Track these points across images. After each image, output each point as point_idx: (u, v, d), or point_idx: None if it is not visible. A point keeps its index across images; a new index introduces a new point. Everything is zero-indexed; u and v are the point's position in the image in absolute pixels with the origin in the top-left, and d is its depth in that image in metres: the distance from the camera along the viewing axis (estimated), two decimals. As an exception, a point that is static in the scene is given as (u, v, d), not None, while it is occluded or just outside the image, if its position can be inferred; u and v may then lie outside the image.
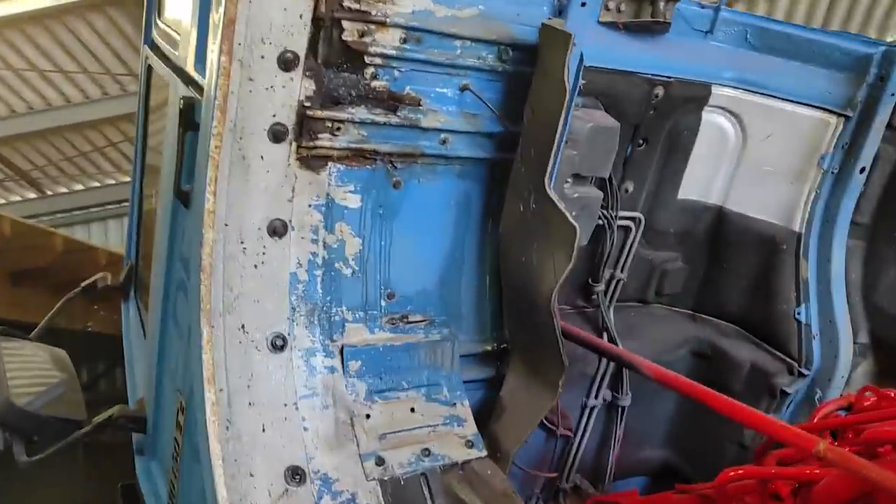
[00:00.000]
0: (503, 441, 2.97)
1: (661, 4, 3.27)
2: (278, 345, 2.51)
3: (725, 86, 3.52)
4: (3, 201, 12.85)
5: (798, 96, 3.54)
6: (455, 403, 2.90)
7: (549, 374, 2.76)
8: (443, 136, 2.72)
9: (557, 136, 2.48)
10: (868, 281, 3.82)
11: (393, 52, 2.48)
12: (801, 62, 3.54)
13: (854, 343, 3.82)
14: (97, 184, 12.71)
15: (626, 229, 3.69)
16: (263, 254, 2.47)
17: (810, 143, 3.62)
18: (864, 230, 3.78)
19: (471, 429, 2.88)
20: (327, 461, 2.51)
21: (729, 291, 3.98)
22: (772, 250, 3.80)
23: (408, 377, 2.82)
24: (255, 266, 2.46)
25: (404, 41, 2.49)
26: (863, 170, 3.59)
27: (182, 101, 2.74)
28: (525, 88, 2.72)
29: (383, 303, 2.83)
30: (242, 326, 2.44)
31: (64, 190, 12.76)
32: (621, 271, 3.74)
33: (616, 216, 3.55)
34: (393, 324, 2.85)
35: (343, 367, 2.67)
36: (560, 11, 2.72)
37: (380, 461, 2.61)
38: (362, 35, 2.41)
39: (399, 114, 2.60)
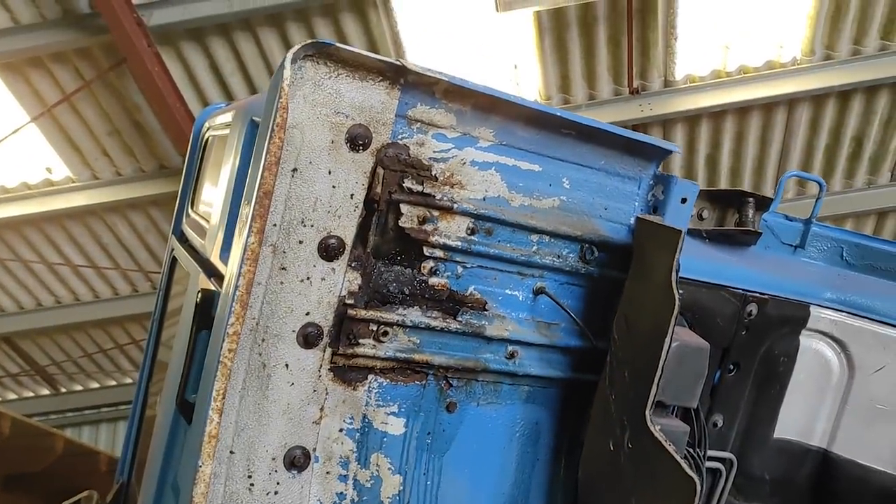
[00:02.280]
0: None
1: (750, 213, 2.93)
2: None
3: (826, 307, 3.06)
4: (14, 396, 12.41)
5: (912, 323, 3.04)
6: None
7: None
8: (510, 348, 2.22)
9: (663, 355, 1.96)
10: None
11: (458, 244, 2.05)
12: (909, 284, 3.11)
13: None
14: (113, 382, 12.27)
15: (715, 473, 3.05)
16: (276, 493, 1.90)
17: (932, 379, 3.06)
18: None
19: None
20: None
21: (841, 558, 3.23)
22: (895, 509, 3.10)
23: None
24: (263, 509, 1.87)
25: (472, 232, 2.07)
26: None
27: (199, 294, 2.30)
28: (611, 296, 2.25)
29: (424, 564, 2.18)
30: None
31: (79, 388, 12.34)
32: (709, 527, 3.05)
33: (704, 456, 2.93)
34: None
35: None
36: (655, 208, 2.31)
37: None
38: (423, 222, 1.99)
39: (460, 318, 2.12)
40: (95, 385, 12.35)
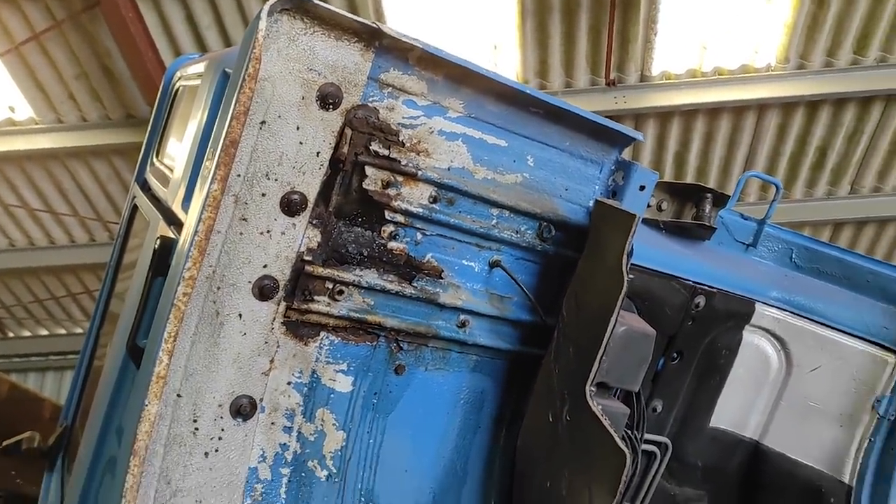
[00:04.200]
0: None
1: (707, 208, 3.01)
2: None
3: (771, 305, 3.15)
4: (-40, 339, 12.17)
5: (851, 327, 3.17)
6: None
7: None
8: (462, 317, 2.26)
9: (608, 332, 2.02)
10: (930, 560, 3.22)
11: (419, 211, 2.08)
12: (853, 291, 3.22)
13: None
14: (63, 331, 12.07)
15: (651, 455, 3.14)
16: (220, 439, 1.92)
17: (864, 381, 3.19)
18: (927, 492, 3.24)
19: None
20: None
21: (764, 546, 3.36)
22: (817, 503, 3.23)
23: None
24: (206, 454, 1.90)
25: (434, 200, 2.10)
26: (926, 423, 3.13)
27: (158, 241, 2.30)
28: (564, 274, 2.30)
29: (361, 520, 2.23)
30: (173, 535, 1.83)
31: (27, 333, 12.13)
32: (640, 506, 3.14)
33: (641, 438, 3.02)
34: (369, 549, 2.23)
35: None
36: (614, 193, 2.36)
37: None
38: (386, 186, 2.02)
39: (415, 284, 2.15)
40: (44, 332, 12.15)
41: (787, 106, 8.04)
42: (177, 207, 2.51)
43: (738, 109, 8.09)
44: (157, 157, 3.57)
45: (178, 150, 2.99)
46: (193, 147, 2.52)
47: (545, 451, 2.24)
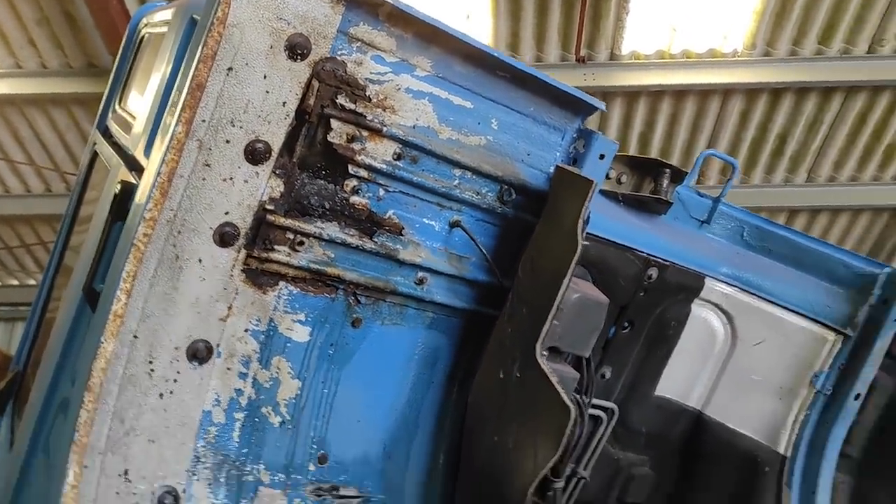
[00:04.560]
0: None
1: (665, 183, 3.08)
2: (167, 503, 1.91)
3: (720, 281, 3.25)
4: None
5: (796, 305, 3.28)
6: None
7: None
8: (421, 274, 2.30)
9: (559, 294, 2.08)
10: (855, 526, 3.40)
11: (383, 167, 2.11)
12: (800, 270, 3.34)
13: None
14: (15, 282, 11.84)
15: (597, 420, 3.24)
16: (175, 381, 1.94)
17: (804, 357, 3.32)
18: (854, 465, 3.41)
19: None
20: None
21: (699, 511, 3.49)
22: (753, 471, 3.38)
23: (325, 568, 2.21)
24: (161, 395, 1.92)
25: (398, 157, 2.13)
26: (858, 396, 3.27)
27: (120, 185, 2.30)
28: (522, 238, 2.36)
29: (312, 467, 2.27)
30: (125, 472, 1.87)
31: (-23, 283, 11.88)
32: (584, 468, 3.24)
33: (589, 403, 3.11)
34: (319, 496, 2.28)
35: (245, 544, 2.07)
36: (574, 160, 2.42)
37: None
38: (351, 140, 2.04)
39: (375, 239, 2.19)
40: (-4, 282, 11.90)
41: (751, 92, 8.17)
42: (139, 154, 2.49)
43: (704, 93, 8.20)
44: (119, 104, 3.52)
45: (141, 98, 2.96)
46: (158, 94, 2.50)
47: (495, 406, 2.31)
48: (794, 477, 3.35)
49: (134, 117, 2.92)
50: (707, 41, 7.86)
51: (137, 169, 2.41)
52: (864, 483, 3.42)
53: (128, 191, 2.26)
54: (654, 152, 8.77)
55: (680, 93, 8.21)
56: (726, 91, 8.16)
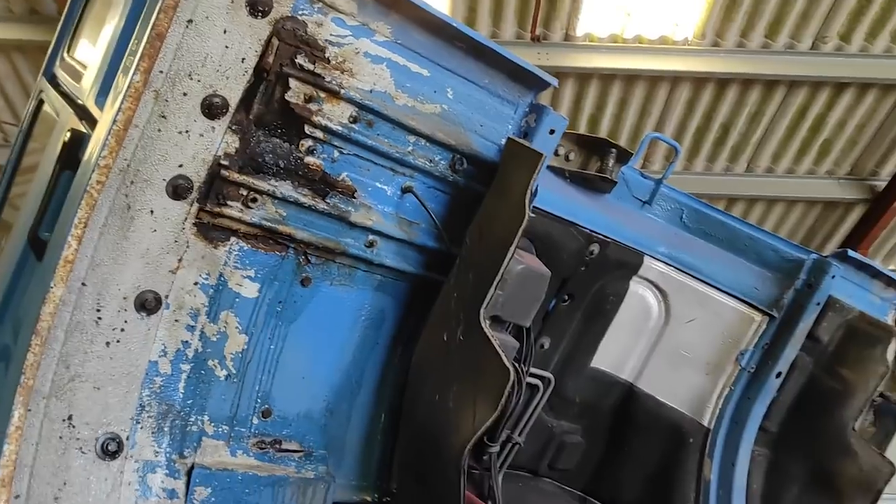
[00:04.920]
0: None
1: (611, 163, 3.17)
2: (110, 450, 1.94)
3: (658, 259, 3.39)
4: None
5: (727, 286, 3.44)
6: (314, 565, 2.35)
7: (438, 545, 2.28)
8: (371, 237, 2.35)
9: (505, 261, 2.16)
10: (769, 496, 3.60)
11: (339, 129, 2.14)
12: (733, 253, 3.49)
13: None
14: (-56, 233, 11.46)
15: (534, 389, 3.35)
16: (122, 330, 1.96)
17: (732, 336, 3.49)
18: (772, 439, 3.61)
19: None
20: None
21: (626, 479, 3.66)
22: (678, 442, 3.55)
23: (265, 520, 2.26)
24: (108, 344, 1.94)
25: (354, 120, 2.16)
26: (779, 374, 3.45)
27: (69, 133, 2.27)
28: (472, 207, 2.42)
29: (255, 420, 2.31)
30: (69, 418, 1.88)
31: None
32: (520, 434, 3.36)
33: (527, 371, 3.22)
34: (262, 448, 2.32)
35: (187, 493, 2.10)
36: (525, 134, 2.49)
37: None
38: (308, 100, 2.06)
39: (328, 200, 2.22)
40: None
41: (698, 81, 8.36)
42: (89, 103, 2.46)
43: (653, 79, 8.35)
44: (68, 52, 3.44)
45: (93, 47, 2.90)
46: (112, 43, 2.47)
47: (437, 367, 2.38)
48: (715, 448, 3.53)
49: (84, 66, 2.87)
50: (659, 28, 8.00)
51: (88, 118, 2.38)
52: (779, 456, 3.62)
53: (77, 139, 2.24)
54: (602, 135, 8.92)
55: (630, 77, 8.35)
56: (675, 78, 8.33)
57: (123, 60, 1.95)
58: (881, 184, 9.15)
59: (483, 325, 2.18)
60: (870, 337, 3.40)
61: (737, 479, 3.53)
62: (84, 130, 2.32)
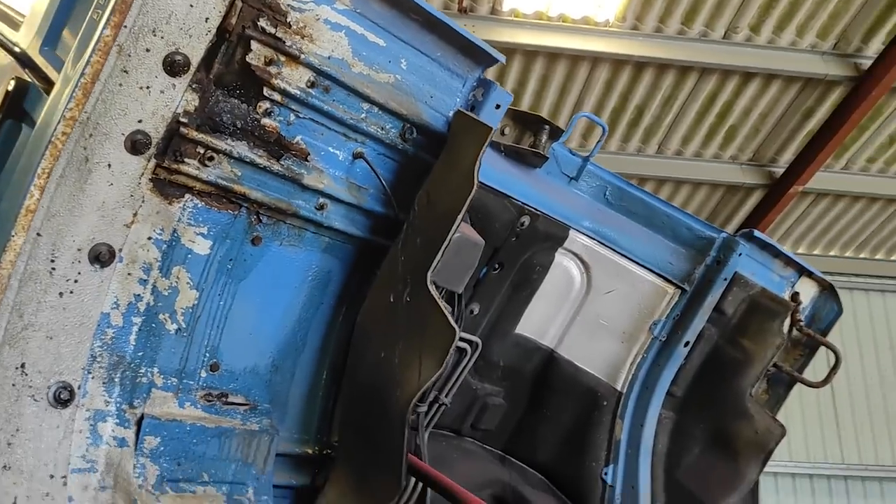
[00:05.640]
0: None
1: (543, 139, 3.32)
2: (62, 398, 1.97)
3: (582, 233, 3.58)
4: None
5: (644, 260, 3.67)
6: (258, 511, 2.43)
7: (379, 495, 2.40)
8: (321, 200, 2.42)
9: (453, 228, 2.28)
10: (672, 455, 3.89)
11: (296, 93, 2.19)
12: (651, 229, 3.72)
13: (649, 515, 3.83)
14: None
15: (462, 352, 3.51)
16: (75, 282, 1.97)
17: (646, 307, 3.73)
18: (677, 403, 3.89)
19: (269, 546, 2.41)
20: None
21: (543, 439, 3.88)
22: (592, 405, 3.79)
23: (211, 469, 2.32)
24: (61, 294, 1.95)
25: (312, 85, 2.22)
26: (687, 343, 3.73)
27: (13, 82, 2.24)
28: (420, 175, 2.52)
29: (204, 374, 2.37)
30: (22, 366, 1.89)
31: None
32: (447, 396, 3.51)
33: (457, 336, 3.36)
34: (209, 401, 2.38)
35: (137, 441, 2.15)
36: (472, 107, 2.60)
37: None
38: (269, 63, 2.11)
39: (282, 162, 2.28)
40: None
41: (616, 63, 8.65)
42: (33, 52, 2.41)
43: (574, 58, 8.59)
44: None
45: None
46: None
47: (383, 326, 2.49)
48: (626, 411, 3.79)
49: (20, 14, 2.79)
50: (583, 8, 8.21)
51: (34, 68, 2.34)
52: (683, 418, 3.92)
53: (22, 88, 2.21)
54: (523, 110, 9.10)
55: (553, 55, 8.55)
56: (595, 59, 8.59)
57: (92, 10, 1.94)
58: (779, 170, 9.77)
59: (430, 287, 2.30)
60: (769, 311, 3.71)
61: (644, 439, 3.80)
62: (28, 79, 2.29)
